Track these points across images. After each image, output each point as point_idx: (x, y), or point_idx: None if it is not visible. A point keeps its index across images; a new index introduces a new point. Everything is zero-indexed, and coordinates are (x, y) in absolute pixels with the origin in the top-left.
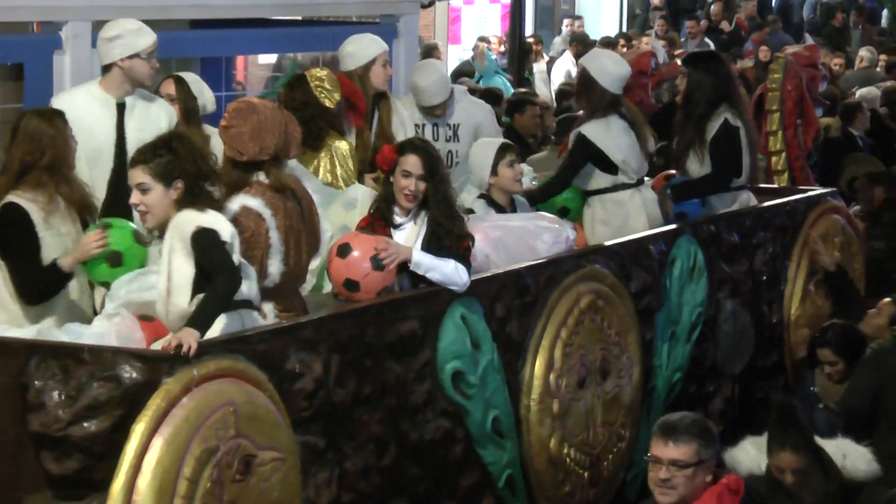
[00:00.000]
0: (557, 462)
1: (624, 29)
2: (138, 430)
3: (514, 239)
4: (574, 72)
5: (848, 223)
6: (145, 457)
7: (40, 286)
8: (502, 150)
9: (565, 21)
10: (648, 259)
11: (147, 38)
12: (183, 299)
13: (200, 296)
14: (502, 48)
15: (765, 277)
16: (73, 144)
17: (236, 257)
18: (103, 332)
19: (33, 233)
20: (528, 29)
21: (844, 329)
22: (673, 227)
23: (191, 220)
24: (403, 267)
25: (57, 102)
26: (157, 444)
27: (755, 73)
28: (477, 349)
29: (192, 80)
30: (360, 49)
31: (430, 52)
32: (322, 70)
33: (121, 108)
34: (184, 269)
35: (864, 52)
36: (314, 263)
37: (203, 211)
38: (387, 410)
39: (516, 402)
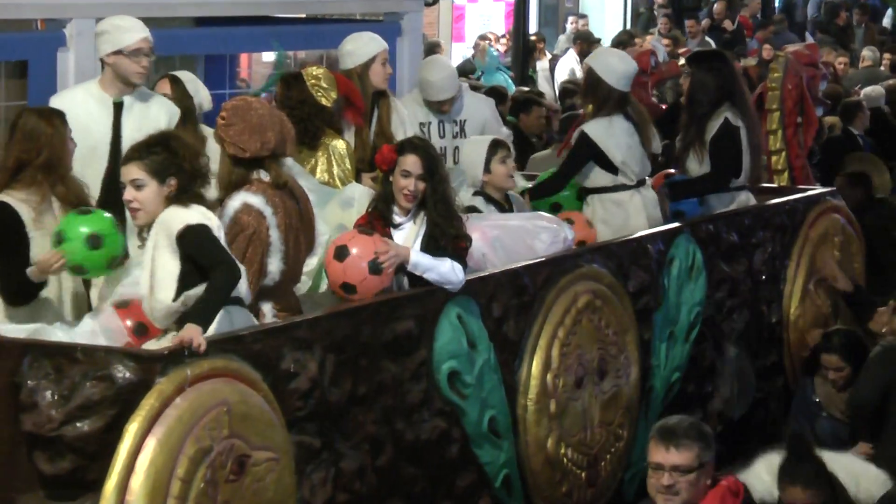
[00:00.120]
0: (555, 462)
1: (628, 27)
2: (131, 430)
3: (512, 238)
4: (578, 70)
5: (848, 223)
6: (138, 457)
7: (20, 288)
8: (494, 147)
9: (570, 19)
10: (646, 258)
11: (132, 36)
12: (166, 295)
13: (188, 293)
14: (500, 45)
15: (764, 277)
16: (71, 145)
17: None
18: (91, 329)
19: (22, 233)
20: (532, 27)
21: (849, 335)
22: (671, 226)
23: (177, 217)
24: (401, 267)
25: (55, 101)
26: (151, 444)
27: (758, 72)
28: (473, 349)
29: (188, 79)
30: (360, 47)
31: (432, 49)
32: (319, 68)
33: (118, 106)
34: (167, 265)
35: (866, 52)
36: (311, 264)
37: (187, 207)
38: (382, 410)
39: (513, 401)
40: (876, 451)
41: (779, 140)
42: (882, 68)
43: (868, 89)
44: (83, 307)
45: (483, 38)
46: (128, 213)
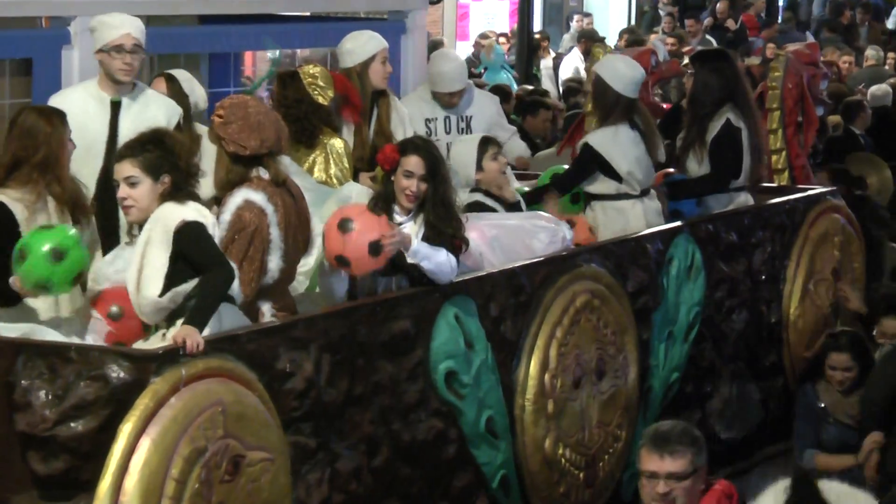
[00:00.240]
0: (552, 463)
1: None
2: (125, 430)
3: (510, 238)
4: (582, 68)
5: (848, 222)
6: (132, 457)
7: (10, 289)
8: (484, 144)
9: (575, 17)
10: (645, 258)
11: (113, 32)
12: (153, 291)
13: (176, 289)
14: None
15: (764, 277)
16: (69, 146)
17: None
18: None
19: (15, 232)
20: (536, 25)
21: (856, 335)
22: (670, 225)
23: (174, 213)
24: (400, 266)
25: (54, 100)
26: (145, 445)
27: (761, 71)
28: (471, 349)
29: (184, 77)
30: (359, 46)
31: (435, 47)
32: (315, 67)
33: (115, 105)
34: (156, 260)
35: (870, 51)
36: (307, 263)
37: (184, 203)
38: (379, 410)
39: (511, 402)
40: (888, 440)
41: (779, 139)
42: (886, 67)
43: (874, 88)
44: (78, 304)
45: (483, 36)
46: (120, 212)
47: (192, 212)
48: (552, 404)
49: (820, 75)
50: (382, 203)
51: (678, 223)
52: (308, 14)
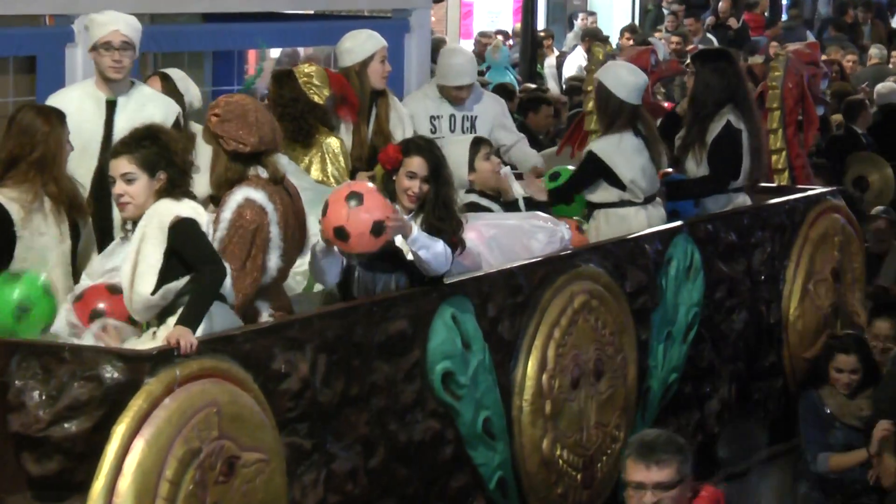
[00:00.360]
0: (550, 464)
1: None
2: (119, 431)
3: (508, 238)
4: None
5: (848, 222)
6: (126, 458)
7: None
8: (476, 145)
9: (580, 16)
10: (644, 258)
11: (101, 29)
12: (146, 288)
13: (167, 286)
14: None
15: (763, 277)
16: (67, 147)
17: None
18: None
19: (10, 232)
20: (540, 23)
21: (859, 337)
22: (669, 226)
23: (169, 209)
24: (400, 265)
25: (52, 99)
26: (139, 446)
27: (763, 70)
28: (468, 349)
29: (179, 76)
30: (358, 45)
31: (437, 46)
32: (310, 66)
33: (111, 105)
34: (151, 256)
35: (874, 50)
36: (304, 264)
37: (179, 200)
38: (375, 411)
39: (508, 402)
40: None
41: (779, 139)
42: (890, 66)
43: (880, 86)
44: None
45: (484, 35)
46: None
47: (187, 209)
48: (550, 405)
49: (820, 75)
50: None
51: (677, 223)
52: (312, 12)
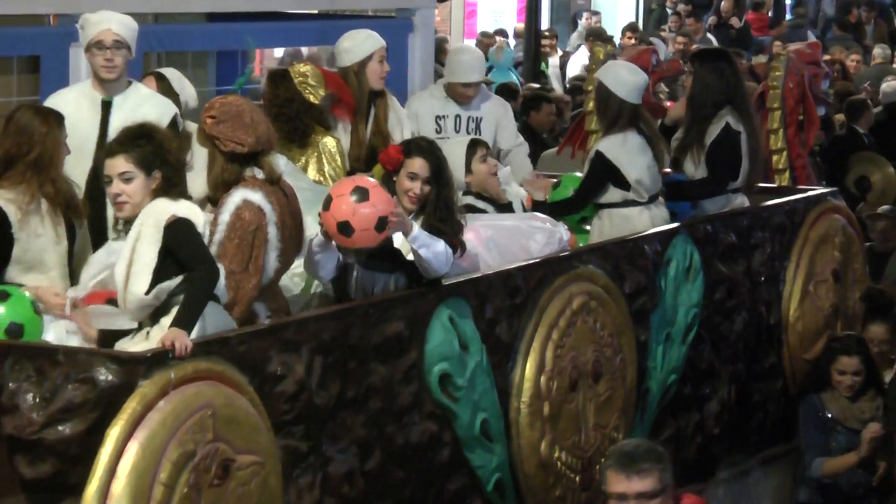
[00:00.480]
0: (548, 466)
1: (640, 25)
2: (113, 433)
3: (506, 238)
4: None
5: (848, 223)
6: (120, 461)
7: None
8: (472, 147)
9: (584, 15)
10: (643, 259)
11: (93, 29)
12: (140, 287)
13: (161, 286)
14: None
15: (763, 278)
16: (64, 149)
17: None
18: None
19: (7, 234)
20: (544, 23)
21: (861, 339)
22: (669, 226)
23: (165, 208)
24: (400, 265)
25: (50, 101)
26: (133, 449)
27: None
28: (465, 351)
29: (174, 76)
30: (357, 45)
31: (440, 45)
32: (305, 65)
33: (107, 105)
34: (146, 255)
35: (877, 50)
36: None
37: (176, 200)
38: (371, 413)
39: (506, 404)
40: None
41: (780, 139)
42: (894, 65)
43: (885, 85)
44: None
45: (485, 35)
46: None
47: (183, 208)
48: (548, 407)
49: (821, 74)
50: None
51: (677, 224)
52: (315, 12)
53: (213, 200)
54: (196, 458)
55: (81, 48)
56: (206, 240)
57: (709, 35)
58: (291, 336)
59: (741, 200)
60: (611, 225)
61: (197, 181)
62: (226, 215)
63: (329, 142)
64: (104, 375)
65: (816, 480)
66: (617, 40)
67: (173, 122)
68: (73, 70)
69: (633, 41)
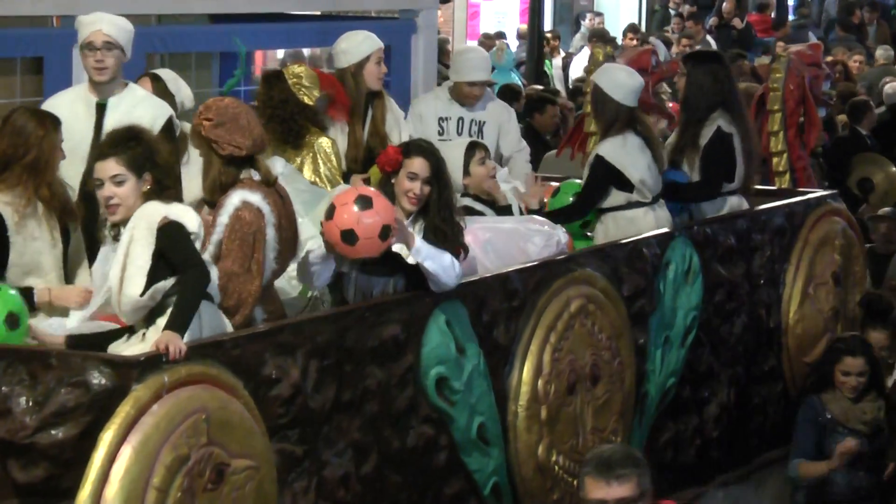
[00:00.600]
0: (545, 469)
1: (643, 26)
2: (106, 437)
3: (504, 241)
4: None
5: (848, 225)
6: (113, 465)
7: None
8: (471, 149)
9: (587, 16)
10: (642, 262)
11: (85, 30)
12: (134, 290)
13: (155, 286)
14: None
15: (762, 281)
16: (60, 152)
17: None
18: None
19: (3, 238)
20: (547, 24)
21: (865, 339)
22: (667, 229)
23: (158, 211)
24: (398, 268)
25: (47, 104)
26: (126, 453)
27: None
28: (462, 354)
29: (169, 77)
30: (354, 46)
31: (441, 46)
32: (299, 66)
33: (101, 107)
34: (139, 258)
35: (880, 51)
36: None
37: (168, 203)
38: (367, 417)
39: (503, 408)
40: None
41: (780, 142)
42: None
43: (888, 86)
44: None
45: (487, 37)
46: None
47: (175, 211)
48: (545, 410)
49: (822, 76)
50: None
51: (675, 227)
52: (319, 13)
53: (209, 203)
54: (190, 462)
55: None
56: (200, 242)
57: (708, 37)
58: (286, 339)
59: (738, 201)
60: (616, 228)
61: (194, 182)
62: (225, 217)
63: (324, 142)
64: (97, 379)
65: (816, 484)
66: (619, 41)
67: (169, 124)
68: (76, 72)
69: (634, 42)
